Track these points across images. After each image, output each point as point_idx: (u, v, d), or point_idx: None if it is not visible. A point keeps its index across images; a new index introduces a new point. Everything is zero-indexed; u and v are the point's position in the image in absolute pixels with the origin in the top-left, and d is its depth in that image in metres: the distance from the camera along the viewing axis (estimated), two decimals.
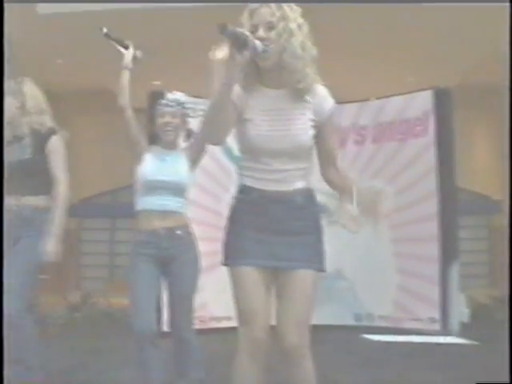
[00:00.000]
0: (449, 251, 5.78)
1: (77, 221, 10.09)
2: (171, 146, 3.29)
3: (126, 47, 3.28)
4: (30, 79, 3.38)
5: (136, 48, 3.30)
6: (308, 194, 2.25)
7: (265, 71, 2.18)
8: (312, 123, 2.20)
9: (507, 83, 4.34)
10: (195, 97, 4.35)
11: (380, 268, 5.96)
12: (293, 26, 2.11)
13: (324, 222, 2.32)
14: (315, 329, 2.22)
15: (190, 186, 3.27)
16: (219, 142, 2.21)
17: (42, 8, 6.65)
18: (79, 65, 8.36)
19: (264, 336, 2.15)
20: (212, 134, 2.18)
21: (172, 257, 3.14)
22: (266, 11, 2.11)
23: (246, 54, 2.02)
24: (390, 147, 6.10)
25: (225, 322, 5.63)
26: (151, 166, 3.19)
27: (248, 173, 2.24)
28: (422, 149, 5.97)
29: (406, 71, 8.47)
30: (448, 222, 5.82)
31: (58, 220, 3.17)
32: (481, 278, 9.48)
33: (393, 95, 6.15)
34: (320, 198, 2.36)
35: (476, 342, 5.31)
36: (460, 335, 5.55)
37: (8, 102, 3.22)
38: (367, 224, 5.95)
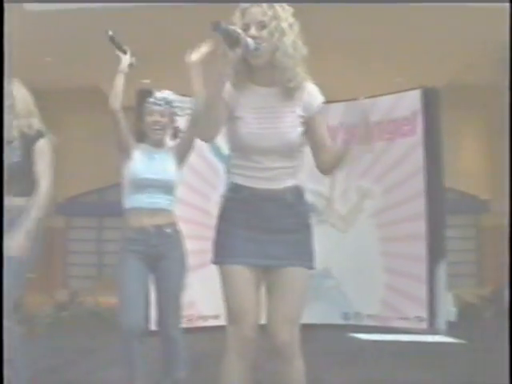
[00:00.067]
0: (436, 250, 5.81)
1: (64, 219, 10.04)
2: (159, 144, 3.29)
3: (125, 52, 3.32)
4: (17, 80, 3.33)
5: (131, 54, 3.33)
6: (298, 192, 2.25)
7: (256, 69, 2.18)
8: (301, 119, 2.20)
9: (507, 83, 4.36)
10: (183, 95, 4.33)
11: (368, 267, 5.97)
12: (284, 25, 2.12)
13: (312, 221, 2.32)
14: (303, 328, 2.22)
15: (178, 183, 3.28)
16: (210, 139, 2.21)
17: (30, 5, 6.58)
18: (68, 63, 8.31)
19: (253, 335, 2.14)
20: (203, 130, 2.18)
21: (160, 254, 3.14)
22: (258, 10, 2.12)
23: (238, 51, 2.03)
24: (378, 147, 6.11)
25: (212, 321, 5.64)
26: (140, 164, 3.18)
27: (238, 171, 2.23)
28: (410, 148, 5.99)
29: (394, 71, 8.49)
30: (436, 221, 5.85)
31: (32, 216, 3.10)
32: (468, 277, 9.53)
33: (381, 95, 6.16)
34: (308, 197, 2.36)
35: (463, 341, 5.34)
36: (447, 334, 5.58)
37: None
38: (355, 223, 6.02)
